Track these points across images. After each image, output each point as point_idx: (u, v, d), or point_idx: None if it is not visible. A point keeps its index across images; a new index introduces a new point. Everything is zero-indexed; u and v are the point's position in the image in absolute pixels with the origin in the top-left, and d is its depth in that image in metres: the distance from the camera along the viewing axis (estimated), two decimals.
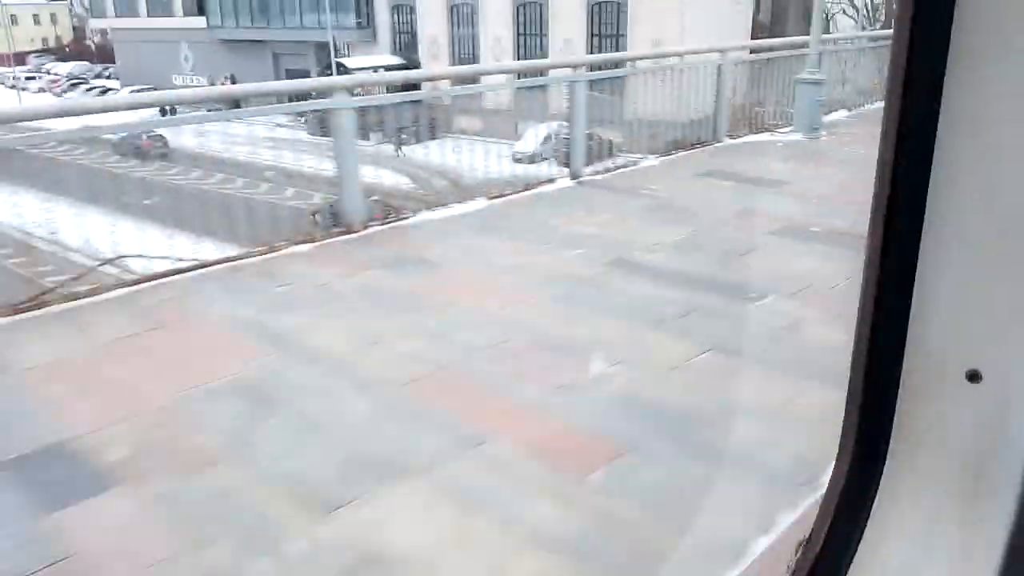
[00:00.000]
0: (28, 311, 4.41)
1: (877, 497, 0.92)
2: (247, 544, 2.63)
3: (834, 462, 0.94)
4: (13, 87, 59.77)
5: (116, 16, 49.76)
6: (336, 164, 5.90)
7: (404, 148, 11.75)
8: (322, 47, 36.13)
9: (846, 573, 0.93)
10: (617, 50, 26.88)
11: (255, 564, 2.53)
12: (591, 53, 26.21)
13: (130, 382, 3.72)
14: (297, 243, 5.50)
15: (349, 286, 4.93)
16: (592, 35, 29.75)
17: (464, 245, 5.80)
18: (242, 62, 39.50)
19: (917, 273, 0.82)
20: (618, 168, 8.03)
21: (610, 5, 29.31)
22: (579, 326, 4.28)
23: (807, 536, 0.98)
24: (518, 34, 31.53)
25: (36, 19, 76.61)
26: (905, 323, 0.84)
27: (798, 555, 0.98)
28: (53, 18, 78.25)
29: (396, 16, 35.73)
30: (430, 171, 10.69)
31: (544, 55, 28.68)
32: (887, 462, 0.91)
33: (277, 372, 3.78)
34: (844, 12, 32.79)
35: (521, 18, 31.62)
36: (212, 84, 39.38)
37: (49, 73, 62.68)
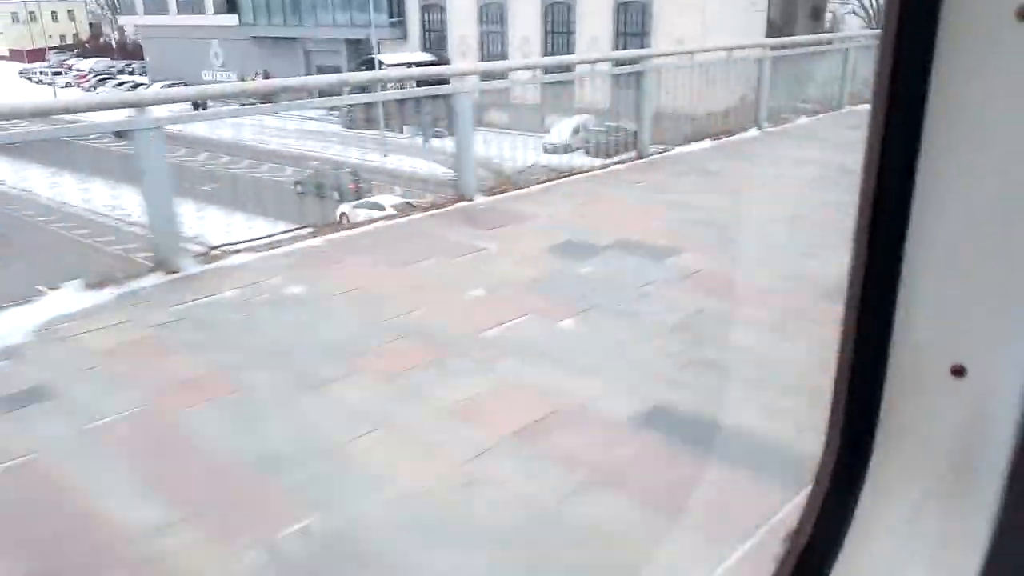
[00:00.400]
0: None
1: (863, 489, 0.95)
2: None
3: (821, 455, 0.98)
4: (40, 82, 62.28)
5: (145, 13, 51.93)
6: (455, 143, 6.76)
7: (438, 140, 12.79)
8: (352, 44, 38.15)
9: (833, 564, 0.96)
10: (641, 47, 28.57)
11: None
12: (615, 50, 27.99)
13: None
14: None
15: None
16: (618, 33, 31.42)
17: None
18: (273, 59, 41.29)
19: (902, 268, 0.83)
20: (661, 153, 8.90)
21: (635, 5, 30.90)
22: None
23: (794, 528, 1.01)
24: (546, 32, 33.29)
25: (54, 16, 78.10)
26: (891, 318, 0.86)
27: (785, 547, 1.02)
28: (71, 15, 79.64)
29: (426, 16, 37.62)
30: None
31: (571, 52, 30.46)
32: (873, 455, 0.93)
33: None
34: (854, 12, 34.76)
35: (549, 17, 33.32)
36: (243, 80, 41.30)
37: (71, 69, 64.84)
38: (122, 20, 62.87)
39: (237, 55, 44.65)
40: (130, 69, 61.76)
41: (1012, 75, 0.73)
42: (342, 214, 16.17)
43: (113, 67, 64.58)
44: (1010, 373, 0.82)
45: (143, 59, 60.65)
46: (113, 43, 73.41)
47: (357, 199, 19.37)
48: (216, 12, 46.14)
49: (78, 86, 56.71)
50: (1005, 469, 0.83)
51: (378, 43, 35.53)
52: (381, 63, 30.03)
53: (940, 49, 0.75)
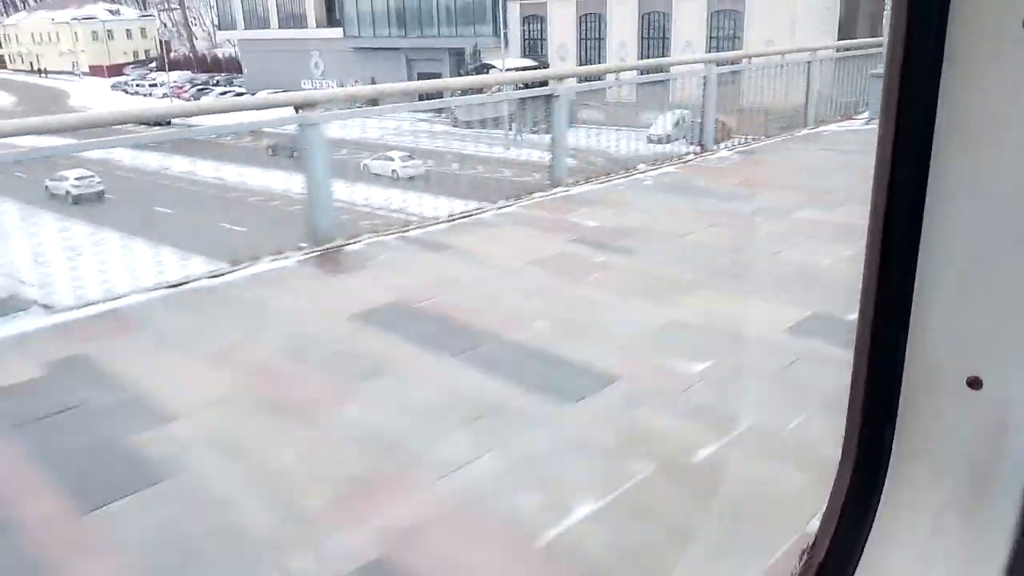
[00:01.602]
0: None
1: (880, 504, 0.99)
2: None
3: (837, 470, 1.02)
4: (136, 93, 69.01)
5: (246, 28, 58.23)
6: (551, 135, 8.32)
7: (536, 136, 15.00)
8: (455, 53, 43.08)
9: None
10: (734, 48, 32.81)
11: None
12: (712, 52, 32.17)
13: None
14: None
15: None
16: (711, 37, 35.45)
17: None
18: (375, 67, 46.05)
19: (916, 281, 0.88)
20: (742, 145, 10.81)
21: (728, 12, 35.07)
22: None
23: (811, 543, 1.05)
24: (641, 38, 37.60)
25: (128, 34, 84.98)
26: (906, 331, 0.90)
27: (802, 562, 1.05)
28: (143, 32, 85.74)
29: (527, 25, 42.33)
30: (581, 151, 12.89)
31: (666, 56, 34.80)
32: (889, 469, 0.98)
33: None
34: None
35: (645, 24, 37.54)
36: (342, 87, 46.57)
37: (155, 83, 71.28)
38: (222, 35, 69.06)
39: (338, 64, 49.83)
40: (215, 81, 68.29)
41: (1020, 84, 0.76)
42: None
43: (194, 79, 71.12)
44: None
45: (223, 72, 67.14)
46: (194, 59, 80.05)
47: None
48: (318, 26, 51.76)
49: (177, 96, 63.21)
50: (1022, 479, 0.87)
51: (480, 51, 40.51)
52: (488, 66, 34.94)
53: (948, 61, 0.79)
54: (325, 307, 5.47)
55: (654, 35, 37.60)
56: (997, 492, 0.89)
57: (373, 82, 41.80)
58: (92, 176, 19.48)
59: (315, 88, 48.31)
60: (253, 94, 46.31)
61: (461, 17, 43.17)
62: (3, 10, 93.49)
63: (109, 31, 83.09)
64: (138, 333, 5.01)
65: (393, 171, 12.64)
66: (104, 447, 3.61)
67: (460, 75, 36.89)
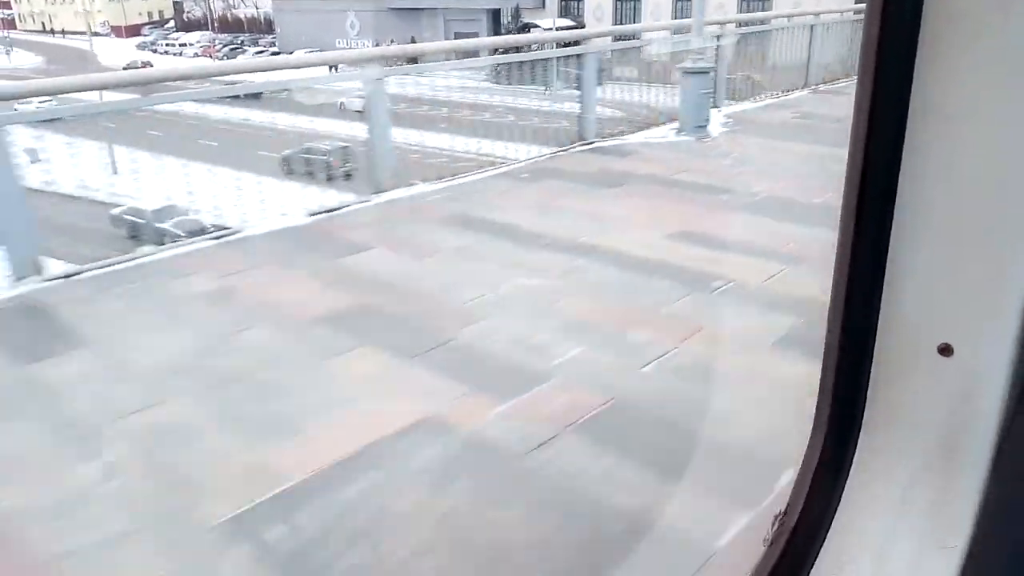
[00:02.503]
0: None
1: (851, 469, 1.04)
2: None
3: (809, 435, 1.07)
4: (166, 53, 72.18)
5: None
6: (581, 94, 9.22)
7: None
8: (492, 13, 46.44)
9: (822, 544, 1.05)
10: (762, 11, 35.95)
11: None
12: (743, 13, 35.34)
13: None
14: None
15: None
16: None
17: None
18: (411, 27, 48.88)
19: (889, 249, 0.91)
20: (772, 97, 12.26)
21: None
22: None
23: (783, 509, 1.10)
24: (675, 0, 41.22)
25: None
26: (878, 298, 0.94)
27: (774, 527, 1.11)
28: None
29: None
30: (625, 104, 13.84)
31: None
32: (861, 435, 1.02)
33: None
34: None
35: None
36: (378, 46, 49.73)
37: (183, 43, 74.36)
38: None
39: (373, 24, 52.70)
40: (241, 41, 71.51)
41: (995, 55, 0.79)
42: None
43: (218, 39, 74.29)
44: (996, 351, 0.89)
45: (245, 32, 70.41)
46: (213, 20, 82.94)
47: None
48: None
49: (209, 56, 66.40)
50: (992, 446, 0.91)
51: (518, 11, 43.85)
52: (530, 25, 38.33)
53: (923, 39, 0.82)
54: None
55: None
56: (966, 457, 0.94)
57: (413, 41, 45.07)
58: None
59: (349, 47, 51.68)
60: (290, 53, 49.40)
61: None
62: None
63: None
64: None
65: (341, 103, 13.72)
66: None
67: (499, 35, 40.21)
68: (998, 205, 0.84)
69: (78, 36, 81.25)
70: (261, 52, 59.67)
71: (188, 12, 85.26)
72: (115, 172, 14.51)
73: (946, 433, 0.95)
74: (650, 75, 11.57)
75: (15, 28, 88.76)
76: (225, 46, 68.25)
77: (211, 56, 65.71)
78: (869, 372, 0.99)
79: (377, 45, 49.14)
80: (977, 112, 0.83)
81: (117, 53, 71.48)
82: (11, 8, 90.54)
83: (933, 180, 0.87)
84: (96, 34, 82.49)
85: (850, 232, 0.93)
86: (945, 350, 0.92)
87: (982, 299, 0.89)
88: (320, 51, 42.76)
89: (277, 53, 56.11)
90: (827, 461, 1.05)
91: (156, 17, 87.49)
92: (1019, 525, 0.94)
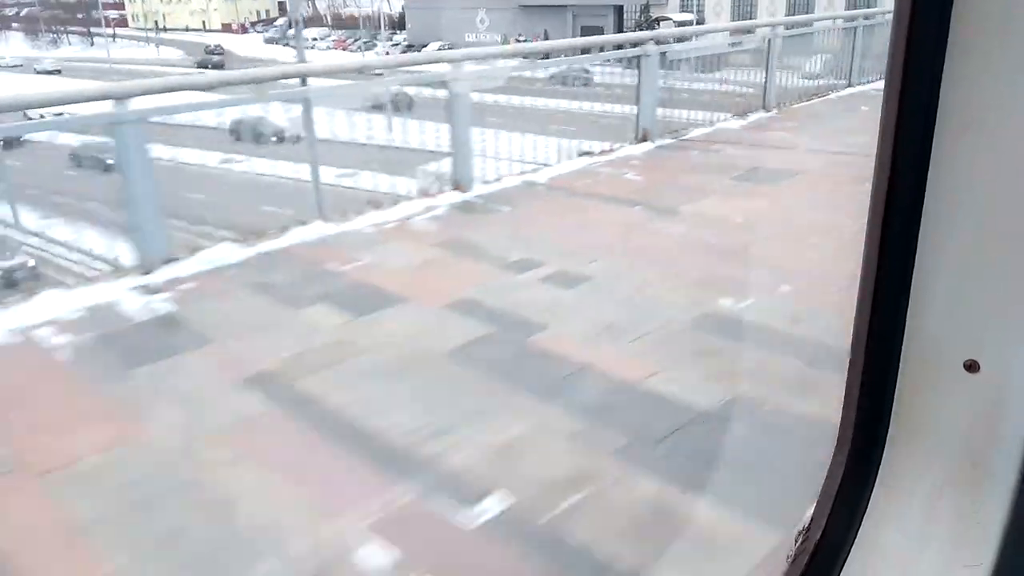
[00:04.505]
0: None
1: (875, 485, 1.07)
2: None
3: (833, 450, 1.10)
4: (312, 47, 76.40)
5: None
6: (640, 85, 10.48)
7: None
8: (617, 9, 53.24)
9: (845, 560, 1.08)
10: (868, 7, 43.45)
11: None
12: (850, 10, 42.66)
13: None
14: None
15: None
16: None
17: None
18: (539, 22, 55.34)
19: (915, 264, 0.94)
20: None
21: None
22: None
23: (807, 525, 1.14)
24: None
25: None
26: (904, 314, 0.97)
27: (798, 544, 1.14)
28: None
29: None
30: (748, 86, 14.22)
31: (810, 11, 45.61)
32: (885, 451, 1.06)
33: None
34: None
35: None
36: (505, 42, 55.73)
37: (308, 39, 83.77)
38: None
39: (503, 20, 59.41)
40: (358, 35, 79.79)
41: (1022, 66, 0.80)
42: None
43: (329, 35, 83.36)
44: (1023, 368, 0.91)
45: (359, 28, 78.93)
46: (328, 17, 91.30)
47: None
48: None
49: (343, 50, 74.43)
50: (1018, 463, 0.93)
51: (642, 7, 52.83)
52: (660, 20, 46.80)
53: (951, 47, 0.84)
54: None
55: None
56: (992, 475, 0.96)
57: (546, 35, 51.62)
58: None
59: (478, 42, 58.82)
60: (423, 47, 55.00)
61: None
62: None
63: None
64: None
65: None
66: None
67: (623, 29, 48.56)
68: (1023, 221, 0.86)
69: (184, 33, 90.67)
70: (396, 46, 69.36)
71: (291, 12, 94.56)
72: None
73: (971, 450, 0.98)
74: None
75: (126, 26, 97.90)
76: (356, 40, 76.90)
77: (345, 50, 74.59)
78: (894, 388, 1.02)
79: (505, 40, 56.27)
80: (1005, 124, 0.84)
81: (247, 47, 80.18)
82: (124, 8, 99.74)
83: (960, 194, 0.89)
84: (209, 31, 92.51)
85: (876, 246, 0.96)
86: (971, 367, 0.94)
87: (1009, 316, 0.91)
88: (450, 46, 50.55)
89: (411, 46, 64.54)
90: (851, 477, 1.08)
91: (264, 16, 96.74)
92: None
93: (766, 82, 12.74)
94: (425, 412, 4.21)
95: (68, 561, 3.37)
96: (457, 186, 8.24)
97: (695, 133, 11.28)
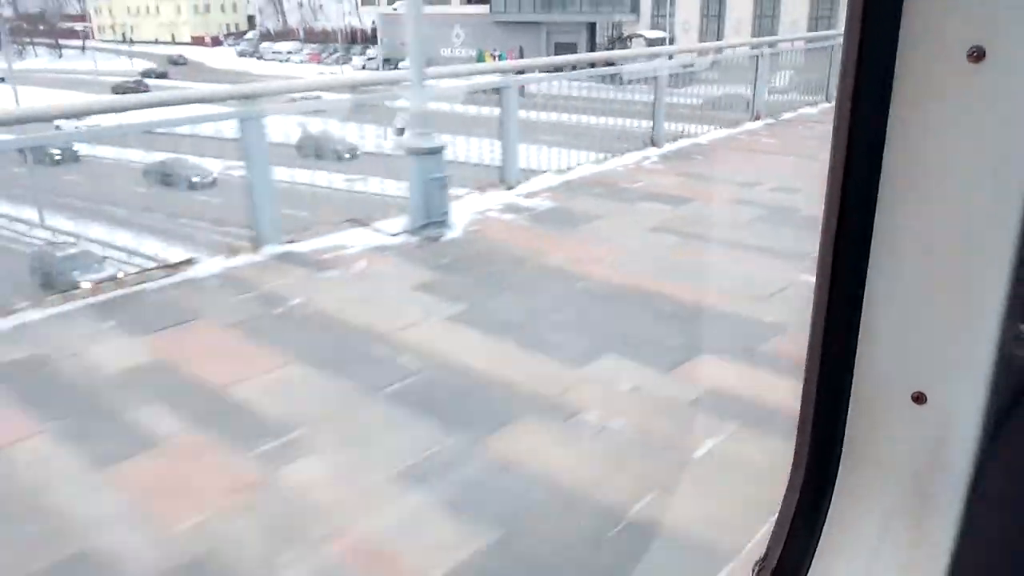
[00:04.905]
0: None
1: (828, 514, 1.11)
2: None
3: (787, 482, 1.13)
4: (273, 60, 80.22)
5: (387, 5, 70.14)
6: (654, 98, 12.34)
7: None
8: (589, 27, 54.82)
9: None
10: (829, 29, 45.22)
11: None
12: (811, 31, 43.77)
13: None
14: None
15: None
16: (814, 18, 45.82)
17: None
18: (514, 38, 56.80)
19: (864, 298, 0.99)
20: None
21: None
22: None
23: (763, 554, 1.17)
24: (755, 16, 48.57)
25: (222, 7, 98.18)
26: (854, 347, 1.01)
27: (754, 573, 1.17)
28: (234, 7, 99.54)
29: (656, 7, 54.07)
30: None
31: (774, 33, 46.07)
32: (837, 481, 1.10)
33: None
34: None
35: (759, 5, 48.83)
36: (481, 57, 56.91)
37: (283, 52, 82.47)
38: (363, 11, 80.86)
39: (477, 35, 60.65)
40: (332, 49, 79.99)
41: (965, 113, 0.86)
42: None
43: (302, 49, 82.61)
44: (968, 399, 0.96)
45: (330, 42, 78.80)
46: (301, 32, 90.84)
47: None
48: (463, 3, 63.32)
49: (317, 63, 75.12)
50: (964, 491, 0.99)
51: (614, 25, 53.88)
52: (632, 36, 48.22)
53: (897, 88, 0.88)
54: None
55: (766, 14, 48.76)
56: (940, 501, 1.01)
57: (521, 52, 52.82)
58: None
59: (453, 55, 59.65)
60: (399, 62, 56.32)
61: None
62: None
63: (207, 4, 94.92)
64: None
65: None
66: None
67: (595, 46, 49.41)
68: (972, 255, 0.90)
69: (153, 45, 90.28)
70: (371, 59, 69.96)
71: (260, 26, 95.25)
72: None
73: (920, 478, 1.02)
74: None
75: (92, 38, 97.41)
76: (332, 54, 77.82)
77: (320, 63, 75.40)
78: (846, 418, 1.06)
79: (480, 55, 57.70)
80: (951, 164, 0.88)
81: (218, 60, 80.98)
82: (90, 20, 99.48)
83: (907, 232, 0.93)
84: (179, 43, 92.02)
85: (826, 281, 0.99)
86: (919, 398, 0.99)
87: (954, 349, 0.95)
88: (428, 60, 51.52)
89: (388, 60, 64.57)
90: (804, 506, 1.12)
91: (233, 29, 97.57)
92: (992, 568, 1.02)
93: (754, 95, 15.03)
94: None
95: None
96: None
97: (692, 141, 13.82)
